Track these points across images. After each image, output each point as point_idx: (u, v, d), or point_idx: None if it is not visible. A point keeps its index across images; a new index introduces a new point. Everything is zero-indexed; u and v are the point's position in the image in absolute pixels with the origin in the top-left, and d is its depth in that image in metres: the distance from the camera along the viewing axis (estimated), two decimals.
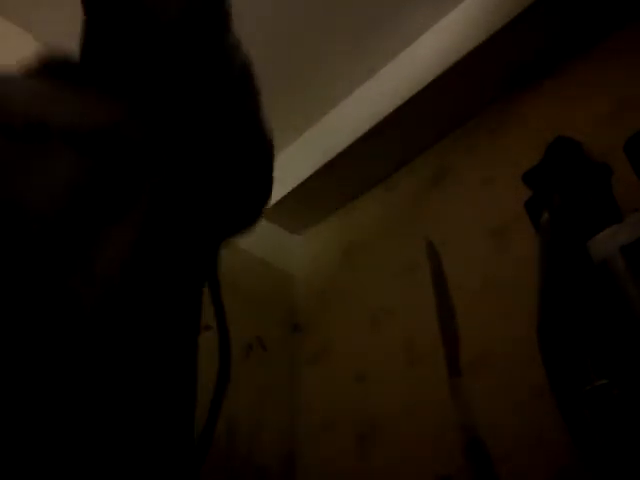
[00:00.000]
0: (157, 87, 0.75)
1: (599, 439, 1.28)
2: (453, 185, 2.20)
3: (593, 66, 1.96)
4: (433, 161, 2.32)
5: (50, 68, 0.84)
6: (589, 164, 1.71)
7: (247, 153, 0.81)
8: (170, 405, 0.66)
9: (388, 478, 1.87)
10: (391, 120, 2.27)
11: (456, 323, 1.68)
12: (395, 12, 2.21)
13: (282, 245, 2.67)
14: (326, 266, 2.52)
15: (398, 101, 2.24)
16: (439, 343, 1.69)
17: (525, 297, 1.59)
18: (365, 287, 2.31)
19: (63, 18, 2.17)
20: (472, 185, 2.12)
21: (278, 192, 2.57)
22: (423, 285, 1.94)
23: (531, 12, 1.95)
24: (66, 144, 0.67)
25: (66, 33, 2.20)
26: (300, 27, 2.25)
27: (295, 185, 2.51)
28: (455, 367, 1.59)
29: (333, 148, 2.41)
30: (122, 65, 0.77)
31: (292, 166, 2.57)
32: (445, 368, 1.65)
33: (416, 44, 2.29)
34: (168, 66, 0.73)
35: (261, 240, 2.56)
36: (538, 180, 1.77)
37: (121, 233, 0.63)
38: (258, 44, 2.59)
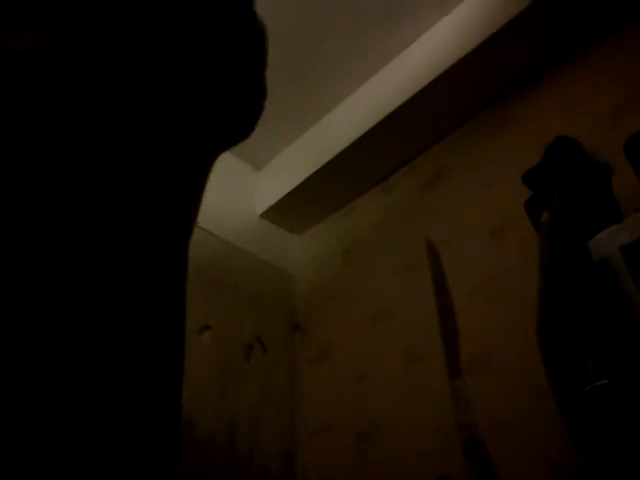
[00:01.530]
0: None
1: (599, 439, 1.28)
2: (453, 185, 2.20)
3: (593, 66, 1.96)
4: (433, 161, 2.32)
5: None
6: (589, 164, 1.71)
7: (238, 48, 0.76)
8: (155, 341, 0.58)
9: (388, 478, 1.87)
10: (391, 120, 2.27)
11: (456, 323, 1.68)
12: (395, 12, 2.21)
13: (282, 245, 2.67)
14: (326, 266, 2.52)
15: (398, 101, 2.24)
16: (439, 343, 1.69)
17: (525, 297, 1.59)
18: (365, 287, 2.31)
19: None
20: (472, 185, 2.12)
21: (278, 192, 2.57)
22: (423, 285, 1.94)
23: (531, 12, 1.95)
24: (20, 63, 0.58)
25: None
26: (300, 28, 2.25)
27: (295, 185, 2.51)
28: (455, 367, 1.59)
29: (333, 148, 2.41)
30: None
31: (292, 166, 2.57)
32: (445, 368, 1.65)
33: (416, 44, 2.29)
34: None
35: (261, 240, 2.56)
36: (538, 180, 1.77)
37: (91, 149, 0.56)
38: None
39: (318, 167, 2.44)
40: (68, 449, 0.48)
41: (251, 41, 0.79)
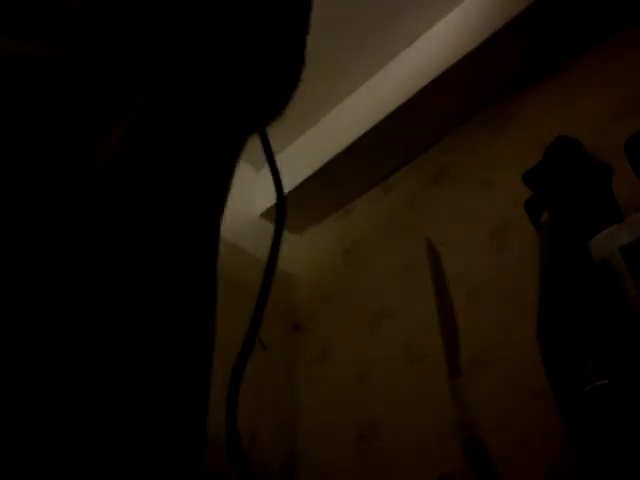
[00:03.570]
0: None
1: (599, 439, 1.28)
2: (453, 185, 2.20)
3: (593, 66, 1.96)
4: (433, 161, 2.32)
5: None
6: (589, 164, 1.71)
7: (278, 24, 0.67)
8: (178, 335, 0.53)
9: (388, 478, 1.87)
10: (391, 120, 2.27)
11: (456, 323, 1.68)
12: (395, 13, 2.21)
13: (282, 245, 2.67)
14: (326, 266, 2.52)
15: (398, 101, 2.24)
16: (439, 343, 1.69)
17: (525, 297, 1.59)
18: (365, 287, 2.31)
19: None
20: (472, 185, 2.12)
21: None
22: (423, 285, 1.93)
23: (531, 12, 1.95)
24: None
25: None
26: None
27: (295, 185, 2.51)
28: (455, 367, 1.59)
29: (333, 148, 2.41)
30: None
31: (292, 166, 2.57)
32: (445, 368, 1.64)
33: (416, 44, 2.29)
34: None
35: (261, 240, 2.56)
36: (538, 180, 1.78)
37: (117, 125, 0.51)
38: None
39: (318, 167, 2.45)
40: (88, 444, 0.45)
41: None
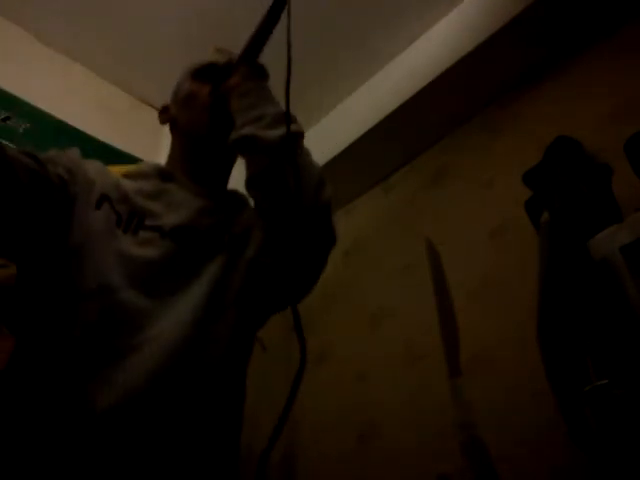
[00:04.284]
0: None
1: (599, 439, 1.28)
2: (453, 185, 2.20)
3: (593, 66, 1.96)
4: (433, 161, 2.32)
5: (160, 173, 1.05)
6: (589, 164, 1.71)
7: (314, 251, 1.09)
8: None
9: (388, 478, 1.87)
10: (391, 120, 2.27)
11: (456, 323, 1.68)
12: (395, 13, 2.21)
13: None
14: (326, 266, 2.52)
15: (398, 101, 2.24)
16: (439, 343, 1.69)
17: (525, 297, 1.59)
18: (365, 287, 2.31)
19: (59, 15, 2.18)
20: (472, 185, 2.12)
21: None
22: (423, 285, 1.94)
23: (531, 12, 1.95)
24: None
25: (64, 27, 2.19)
26: (299, 30, 2.24)
27: None
28: (455, 367, 1.59)
29: (333, 148, 2.41)
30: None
31: None
32: (445, 368, 1.64)
33: (416, 45, 2.29)
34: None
35: None
36: (538, 180, 1.77)
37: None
38: None
39: None
40: None
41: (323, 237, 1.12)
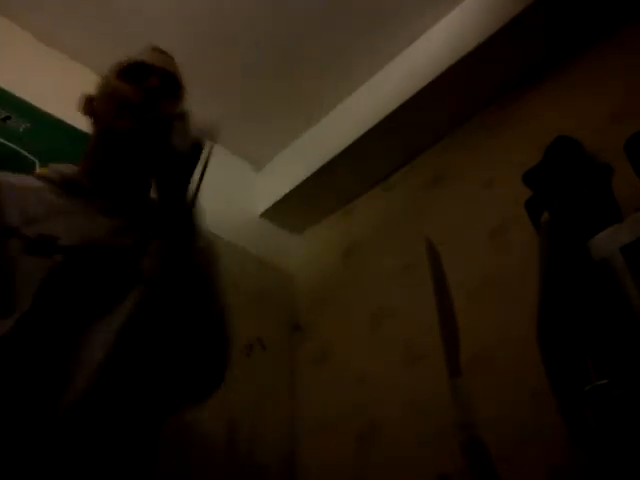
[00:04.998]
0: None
1: (599, 439, 1.28)
2: (453, 185, 2.20)
3: (593, 66, 1.96)
4: (433, 161, 2.32)
5: (67, 185, 1.00)
6: (589, 164, 1.71)
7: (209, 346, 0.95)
8: None
9: (388, 478, 1.87)
10: (391, 120, 2.27)
11: (456, 323, 1.68)
12: (395, 13, 2.21)
13: (282, 245, 2.67)
14: (326, 266, 2.52)
15: (398, 101, 2.24)
16: (439, 343, 1.69)
17: (525, 297, 1.59)
18: (365, 287, 2.30)
19: (58, 14, 2.18)
20: (472, 185, 2.12)
21: (278, 192, 2.57)
22: (423, 285, 1.93)
23: (531, 12, 1.95)
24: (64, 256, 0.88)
25: (64, 27, 2.19)
26: (300, 29, 2.25)
27: (295, 185, 2.51)
28: (455, 367, 1.59)
29: (333, 148, 2.41)
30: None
31: (292, 166, 2.57)
32: (445, 368, 1.64)
33: (416, 44, 2.29)
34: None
35: (261, 240, 2.56)
36: (538, 180, 1.77)
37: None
38: (258, 45, 2.60)
39: (318, 167, 2.44)
40: None
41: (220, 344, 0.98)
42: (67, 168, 1.05)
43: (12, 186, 0.97)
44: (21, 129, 1.93)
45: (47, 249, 0.89)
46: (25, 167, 1.86)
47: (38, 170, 1.05)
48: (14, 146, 1.87)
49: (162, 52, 1.11)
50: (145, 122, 0.98)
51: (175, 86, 1.07)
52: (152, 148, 0.93)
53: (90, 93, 1.11)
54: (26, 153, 1.88)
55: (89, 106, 1.09)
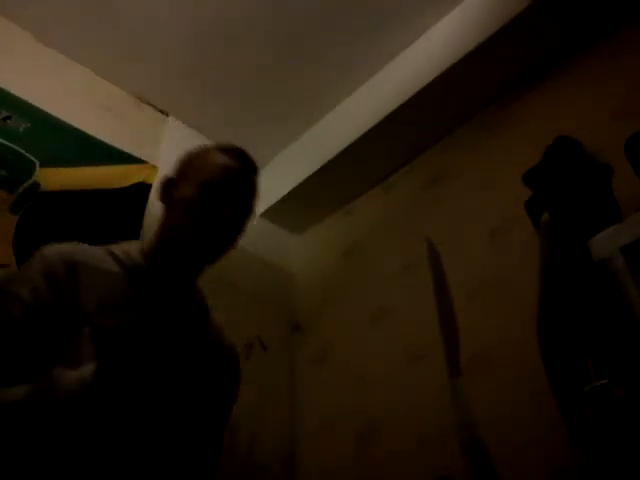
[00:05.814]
0: None
1: (599, 439, 1.28)
2: (453, 185, 2.20)
3: (593, 66, 1.96)
4: (433, 161, 2.32)
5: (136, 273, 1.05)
6: (589, 164, 1.71)
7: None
8: None
9: (388, 478, 1.87)
10: (391, 120, 2.27)
11: (456, 323, 1.68)
12: (395, 13, 2.21)
13: (282, 245, 2.67)
14: (326, 266, 2.52)
15: (398, 101, 2.24)
16: (439, 343, 1.69)
17: (525, 297, 1.59)
18: (365, 287, 2.30)
19: (58, 14, 2.18)
20: (472, 185, 2.12)
21: (278, 192, 2.57)
22: (423, 285, 1.94)
23: (531, 12, 1.95)
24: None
25: (64, 27, 2.19)
26: (300, 28, 2.25)
27: (295, 185, 2.51)
28: (455, 367, 1.59)
29: (333, 148, 2.41)
30: None
31: (292, 166, 2.57)
32: (445, 368, 1.64)
33: (416, 45, 2.29)
34: None
35: (261, 240, 2.56)
36: (538, 180, 1.77)
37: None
38: (258, 45, 2.60)
39: (318, 167, 2.44)
40: None
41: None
42: (135, 251, 1.08)
43: (91, 269, 1.01)
44: (21, 129, 1.93)
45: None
46: (25, 167, 1.86)
47: (108, 246, 1.07)
48: (14, 146, 1.87)
49: (250, 168, 1.12)
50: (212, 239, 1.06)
51: (245, 212, 1.11)
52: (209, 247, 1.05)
53: (168, 176, 1.11)
54: (26, 153, 1.88)
55: (166, 195, 1.10)
